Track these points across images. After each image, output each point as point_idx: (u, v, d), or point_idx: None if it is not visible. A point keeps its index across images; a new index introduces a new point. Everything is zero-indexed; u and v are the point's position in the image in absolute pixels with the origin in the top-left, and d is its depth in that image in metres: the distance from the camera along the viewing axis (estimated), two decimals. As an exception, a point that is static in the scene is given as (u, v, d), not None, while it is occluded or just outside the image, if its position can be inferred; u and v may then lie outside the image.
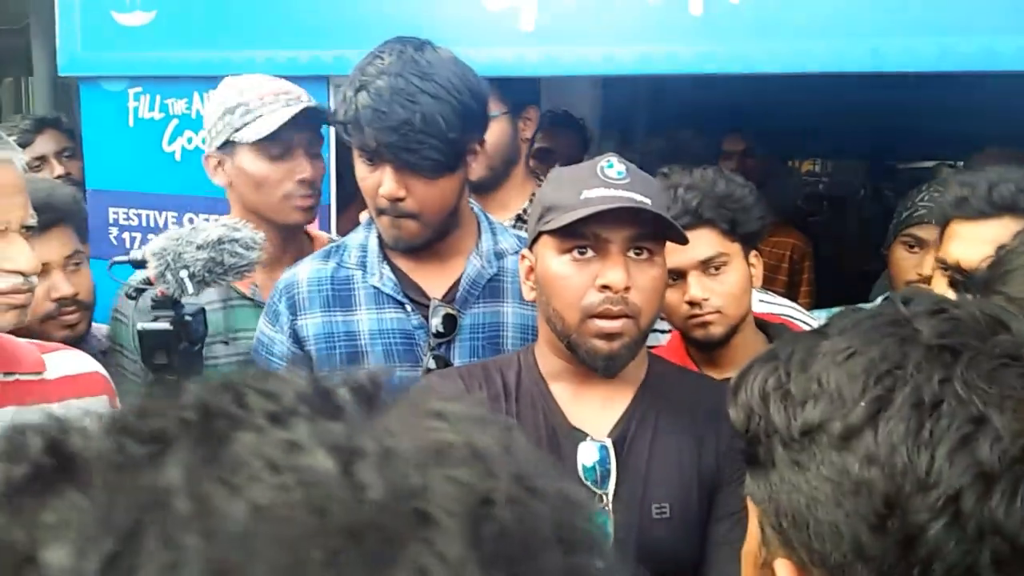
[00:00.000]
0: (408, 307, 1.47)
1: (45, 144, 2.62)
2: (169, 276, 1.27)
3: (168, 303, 1.28)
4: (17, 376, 1.27)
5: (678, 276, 1.54)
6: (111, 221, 2.28)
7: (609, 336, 1.21)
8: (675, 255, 1.49)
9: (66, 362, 1.38)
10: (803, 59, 1.69)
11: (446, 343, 1.47)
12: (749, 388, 0.69)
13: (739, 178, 1.60)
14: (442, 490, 0.33)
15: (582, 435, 1.25)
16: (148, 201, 2.23)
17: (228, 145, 1.63)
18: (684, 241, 1.27)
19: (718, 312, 1.53)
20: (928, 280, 2.00)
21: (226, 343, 1.63)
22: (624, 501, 1.23)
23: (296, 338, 1.48)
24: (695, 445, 1.27)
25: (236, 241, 1.32)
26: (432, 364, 1.45)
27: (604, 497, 1.22)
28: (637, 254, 1.22)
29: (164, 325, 1.26)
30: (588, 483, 1.22)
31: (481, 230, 1.58)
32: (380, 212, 1.43)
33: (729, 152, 3.03)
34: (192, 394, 0.36)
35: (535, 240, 1.28)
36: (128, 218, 2.26)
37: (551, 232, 1.22)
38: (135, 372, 1.61)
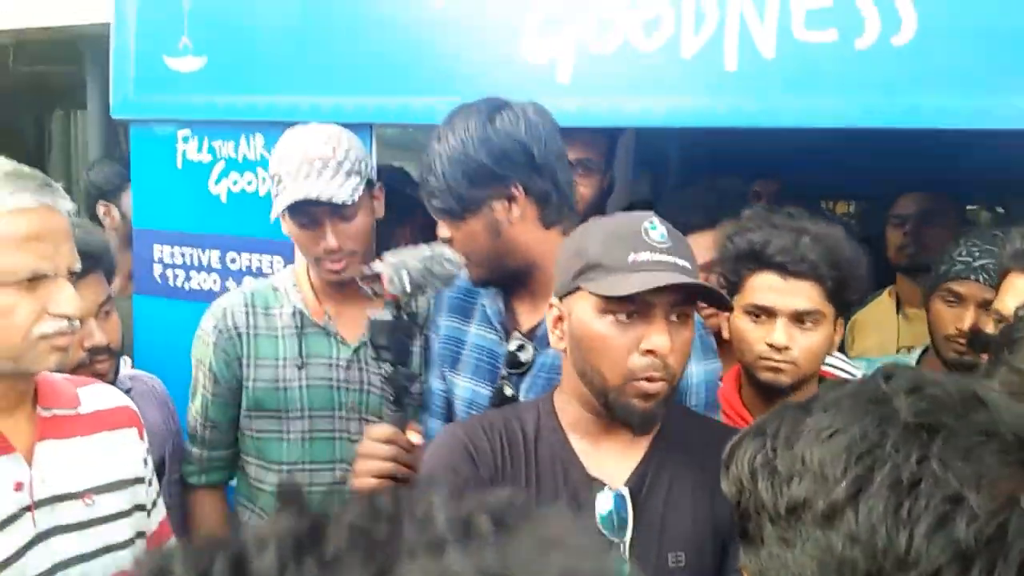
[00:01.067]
0: (501, 334, 1.66)
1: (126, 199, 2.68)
2: (395, 277, 1.52)
3: (393, 304, 1.56)
4: (55, 411, 1.34)
5: (766, 315, 1.58)
6: (156, 259, 2.35)
7: (648, 396, 1.24)
8: (771, 295, 1.58)
9: (98, 397, 1.44)
10: (838, 114, 1.71)
11: (519, 374, 1.62)
12: (739, 462, 0.71)
13: (858, 247, 1.63)
14: None
15: (600, 484, 1.29)
16: (193, 240, 2.29)
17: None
18: (728, 308, 1.33)
19: (793, 364, 1.56)
20: (967, 334, 2.00)
21: (299, 367, 1.80)
22: (641, 549, 1.26)
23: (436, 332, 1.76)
24: (710, 495, 1.28)
25: (445, 258, 1.55)
26: (508, 390, 1.62)
27: (622, 545, 1.25)
28: (675, 316, 1.25)
29: (387, 316, 1.55)
30: (605, 531, 1.25)
31: None
32: None
33: (760, 193, 3.03)
34: (354, 515, 0.40)
35: (570, 292, 1.30)
36: (172, 256, 2.33)
37: (597, 293, 1.24)
38: (205, 385, 1.85)
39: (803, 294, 1.56)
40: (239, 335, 1.82)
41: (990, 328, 1.62)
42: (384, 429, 1.51)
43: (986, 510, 0.59)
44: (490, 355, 1.67)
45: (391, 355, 1.56)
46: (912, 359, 2.27)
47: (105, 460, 1.38)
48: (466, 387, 1.68)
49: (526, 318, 1.66)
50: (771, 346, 1.56)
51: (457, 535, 0.39)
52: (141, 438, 1.46)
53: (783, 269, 1.58)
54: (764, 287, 1.60)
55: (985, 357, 1.47)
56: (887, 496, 0.61)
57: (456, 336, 1.72)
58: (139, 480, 1.43)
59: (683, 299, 1.26)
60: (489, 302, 1.69)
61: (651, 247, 1.24)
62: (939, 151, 2.30)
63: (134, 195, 2.42)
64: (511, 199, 1.58)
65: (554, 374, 1.54)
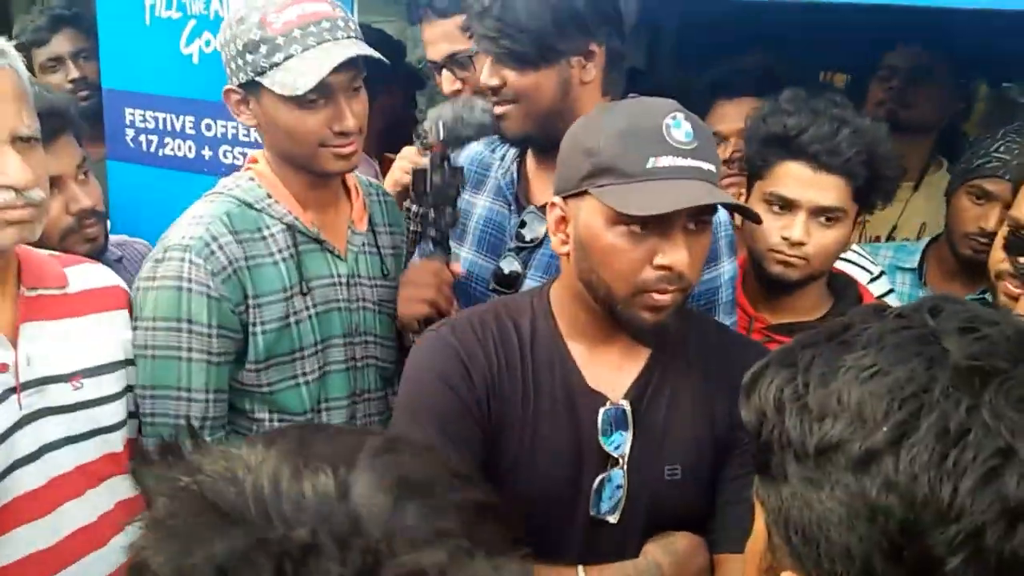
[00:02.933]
0: (513, 207, 1.59)
1: (61, 44, 2.51)
2: (433, 127, 1.48)
3: (438, 157, 1.52)
4: (40, 291, 1.28)
5: (786, 206, 1.51)
6: (128, 122, 2.25)
7: (659, 308, 1.17)
8: (797, 188, 1.50)
9: (87, 276, 1.38)
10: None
11: (529, 249, 1.57)
12: (764, 393, 0.67)
13: (894, 149, 1.55)
14: None
15: (600, 398, 1.24)
16: (166, 104, 2.19)
17: (252, 85, 1.42)
18: (757, 220, 1.24)
19: (806, 260, 1.51)
20: (991, 235, 1.86)
21: (304, 293, 1.49)
22: (638, 462, 1.24)
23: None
24: (710, 406, 1.27)
25: (478, 106, 1.49)
26: (513, 264, 1.57)
27: (621, 459, 1.23)
28: (694, 225, 1.15)
29: (426, 164, 1.52)
30: (605, 445, 1.23)
31: None
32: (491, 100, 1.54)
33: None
34: None
35: (577, 194, 1.18)
36: (145, 120, 2.23)
37: (611, 204, 1.13)
38: (199, 350, 1.42)
39: (831, 189, 1.49)
40: (236, 272, 1.42)
41: (1001, 236, 1.56)
42: (433, 263, 1.56)
43: None
44: (497, 228, 1.61)
45: (431, 199, 1.54)
46: (917, 250, 2.16)
47: (95, 342, 1.34)
48: (470, 259, 1.64)
49: (543, 194, 1.54)
50: (786, 239, 1.50)
51: None
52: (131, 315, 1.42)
53: (815, 160, 1.49)
54: (791, 177, 1.51)
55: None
56: (932, 445, 0.58)
57: (465, 208, 1.64)
58: (131, 362, 1.41)
59: (704, 208, 1.15)
60: (502, 173, 1.62)
61: (674, 149, 1.11)
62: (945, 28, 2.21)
63: (101, 54, 2.29)
64: (588, 56, 1.47)
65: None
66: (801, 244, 1.50)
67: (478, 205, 1.65)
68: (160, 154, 2.24)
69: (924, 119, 2.41)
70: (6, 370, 1.21)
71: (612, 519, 1.24)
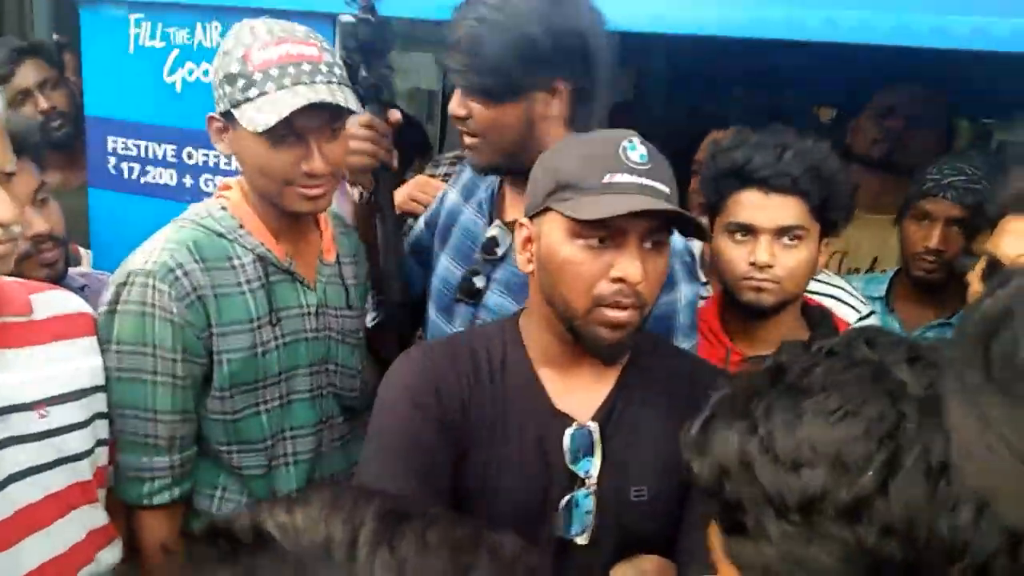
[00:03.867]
0: (486, 221, 1.64)
1: (25, 76, 2.49)
2: None
3: (360, 4, 1.57)
4: (5, 319, 1.26)
5: (748, 233, 1.54)
6: (110, 150, 2.24)
7: (616, 326, 1.19)
8: (754, 213, 1.54)
9: (53, 302, 1.36)
10: (829, 27, 1.62)
11: (492, 263, 1.60)
12: (720, 447, 0.64)
13: (843, 164, 1.60)
14: None
15: (568, 420, 1.25)
16: (148, 132, 2.18)
17: (229, 115, 1.42)
18: (706, 238, 1.27)
19: (777, 283, 1.52)
20: (936, 252, 2.04)
21: (273, 324, 1.49)
22: (605, 484, 1.24)
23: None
24: (677, 427, 1.25)
25: None
26: (477, 281, 1.60)
27: (587, 480, 1.23)
28: (649, 243, 1.19)
29: (352, 20, 1.55)
30: (572, 466, 1.23)
31: None
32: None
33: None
34: None
35: (540, 212, 1.23)
36: (127, 148, 2.22)
37: (567, 215, 1.17)
38: (164, 372, 1.42)
39: (786, 209, 1.52)
40: (200, 299, 1.42)
41: (978, 270, 1.57)
42: (365, 116, 1.63)
43: None
44: (472, 238, 1.65)
45: (362, 56, 1.57)
46: (884, 280, 2.25)
47: (61, 369, 1.32)
48: (445, 265, 1.68)
49: (514, 211, 1.58)
50: (753, 264, 1.52)
51: None
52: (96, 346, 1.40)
53: (765, 184, 1.53)
54: (746, 204, 1.55)
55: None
56: (921, 482, 0.56)
57: (454, 213, 1.71)
58: (99, 388, 1.39)
59: (659, 225, 1.19)
60: (486, 186, 1.67)
61: (629, 168, 1.16)
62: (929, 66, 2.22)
63: (85, 81, 2.29)
64: (553, 92, 1.50)
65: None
66: (769, 266, 1.52)
67: (463, 214, 1.69)
68: (141, 181, 2.23)
69: (916, 160, 2.43)
70: None
71: (581, 540, 1.24)
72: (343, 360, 1.62)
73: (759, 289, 1.53)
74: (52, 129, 2.37)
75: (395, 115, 1.69)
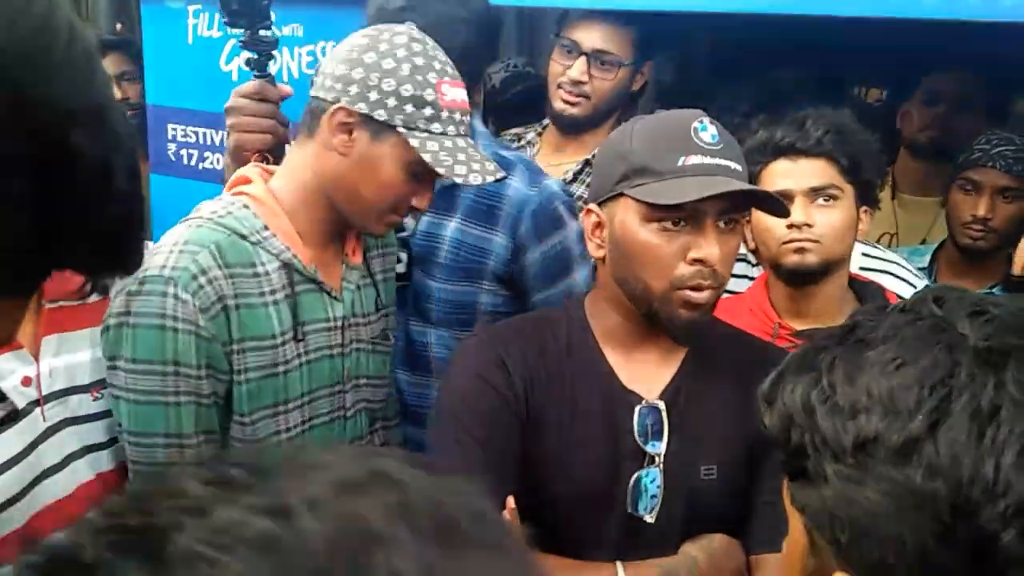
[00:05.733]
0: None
1: (109, 67, 2.58)
2: None
3: None
4: (60, 303, 1.29)
5: (784, 200, 1.55)
6: (170, 137, 2.32)
7: (695, 306, 1.20)
8: (786, 179, 1.56)
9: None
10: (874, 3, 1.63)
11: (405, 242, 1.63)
12: (788, 398, 0.68)
13: (864, 127, 1.63)
14: (372, 510, 0.37)
15: (636, 397, 1.27)
16: (206, 119, 2.25)
17: (384, 126, 1.28)
18: (786, 214, 1.28)
19: (817, 242, 1.54)
20: (983, 221, 2.08)
21: (298, 339, 1.34)
22: (673, 462, 1.25)
23: None
24: (743, 406, 1.26)
25: None
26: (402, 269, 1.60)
27: (656, 458, 1.25)
28: (725, 223, 1.20)
29: None
30: (642, 444, 1.25)
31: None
32: None
33: None
34: (99, 517, 0.38)
35: (612, 197, 1.24)
36: (186, 135, 2.30)
37: (646, 201, 1.18)
38: (187, 391, 1.27)
39: (816, 170, 1.56)
40: (223, 310, 1.26)
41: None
42: (253, 84, 1.51)
43: None
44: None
45: (246, 19, 1.47)
46: (928, 252, 2.28)
47: None
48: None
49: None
50: (792, 226, 1.53)
51: (214, 491, 0.38)
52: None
53: (792, 150, 1.57)
54: (777, 173, 1.59)
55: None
56: (968, 426, 0.59)
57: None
58: None
59: (735, 205, 1.20)
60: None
61: (702, 149, 1.17)
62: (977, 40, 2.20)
63: (146, 71, 2.37)
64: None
65: (433, 242, 1.64)
66: (807, 225, 1.54)
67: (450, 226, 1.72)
68: (200, 167, 2.30)
69: (963, 144, 2.42)
70: (29, 384, 1.22)
71: (649, 518, 1.26)
72: (374, 371, 1.48)
73: (802, 250, 1.55)
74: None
75: (285, 88, 1.54)
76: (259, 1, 1.49)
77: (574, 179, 2.00)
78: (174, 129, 2.31)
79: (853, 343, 0.67)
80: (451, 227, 1.64)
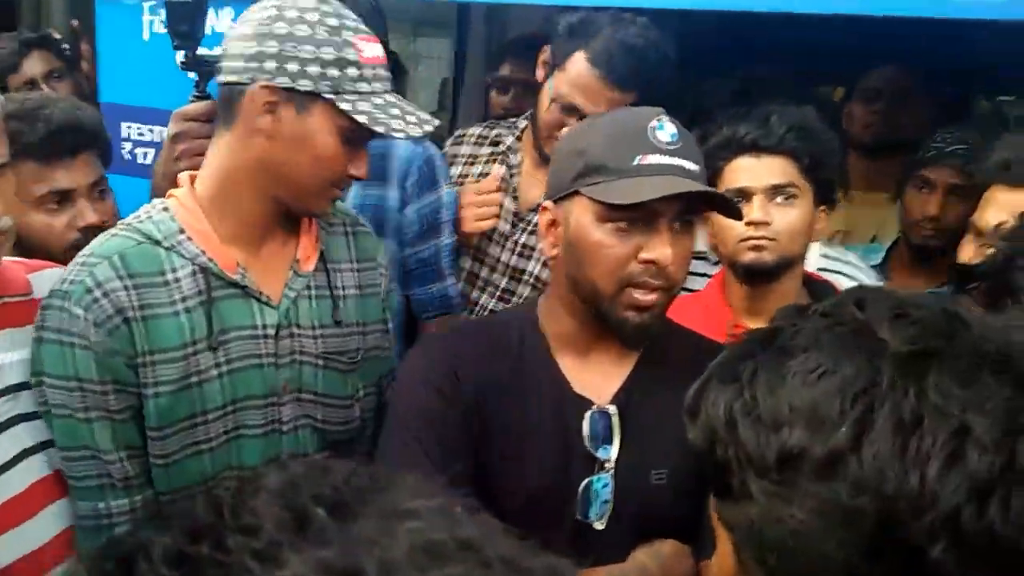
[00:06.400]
0: None
1: (32, 67, 2.49)
2: None
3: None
4: (5, 299, 1.27)
5: (743, 198, 1.56)
6: (124, 136, 2.27)
7: (643, 308, 1.19)
8: (745, 175, 1.57)
9: (51, 280, 1.34)
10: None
11: None
12: (710, 411, 0.66)
13: (828, 126, 1.64)
14: None
15: (587, 403, 1.25)
16: (162, 117, 2.20)
17: (309, 95, 1.25)
18: (739, 217, 1.26)
19: (774, 240, 1.54)
20: (935, 220, 2.09)
21: (213, 348, 1.28)
22: (624, 467, 1.24)
23: None
24: None
25: None
26: None
27: (607, 464, 1.24)
28: (679, 224, 1.18)
29: None
30: (591, 449, 1.23)
31: None
32: None
33: None
34: (172, 539, 0.36)
35: (567, 195, 1.22)
36: (141, 133, 2.25)
37: (599, 200, 1.16)
38: (97, 407, 1.24)
39: (776, 168, 1.56)
40: (124, 322, 1.22)
41: (969, 240, 1.58)
42: (202, 106, 1.52)
43: (993, 439, 0.56)
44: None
45: (193, 42, 1.48)
46: (881, 251, 2.31)
47: None
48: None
49: None
50: (750, 223, 1.53)
51: (290, 535, 0.35)
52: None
53: (754, 147, 1.57)
54: (738, 170, 1.59)
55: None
56: (891, 438, 0.57)
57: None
58: None
59: (689, 205, 1.19)
60: None
61: (658, 148, 1.16)
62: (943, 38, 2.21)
63: (100, 67, 2.31)
64: None
65: None
66: (765, 223, 1.54)
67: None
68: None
69: (907, 138, 2.45)
70: None
71: (599, 525, 1.24)
72: (325, 388, 1.38)
73: (758, 248, 1.55)
74: None
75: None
76: (204, 25, 1.52)
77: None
78: (128, 127, 2.26)
79: (775, 351, 0.65)
80: (350, 193, 1.70)
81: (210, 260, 1.28)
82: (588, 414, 1.24)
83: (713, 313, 1.66)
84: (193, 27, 1.49)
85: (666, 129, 1.17)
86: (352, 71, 1.25)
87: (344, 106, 1.23)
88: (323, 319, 1.38)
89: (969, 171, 2.05)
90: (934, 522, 0.56)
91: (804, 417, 0.60)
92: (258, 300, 1.32)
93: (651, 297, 1.18)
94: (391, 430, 1.28)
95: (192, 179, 1.34)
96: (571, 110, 1.79)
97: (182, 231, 1.28)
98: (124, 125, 2.26)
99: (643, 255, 1.16)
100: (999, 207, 1.51)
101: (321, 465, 0.41)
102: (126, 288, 1.23)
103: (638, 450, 1.25)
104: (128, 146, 2.27)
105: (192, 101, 1.55)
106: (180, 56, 1.52)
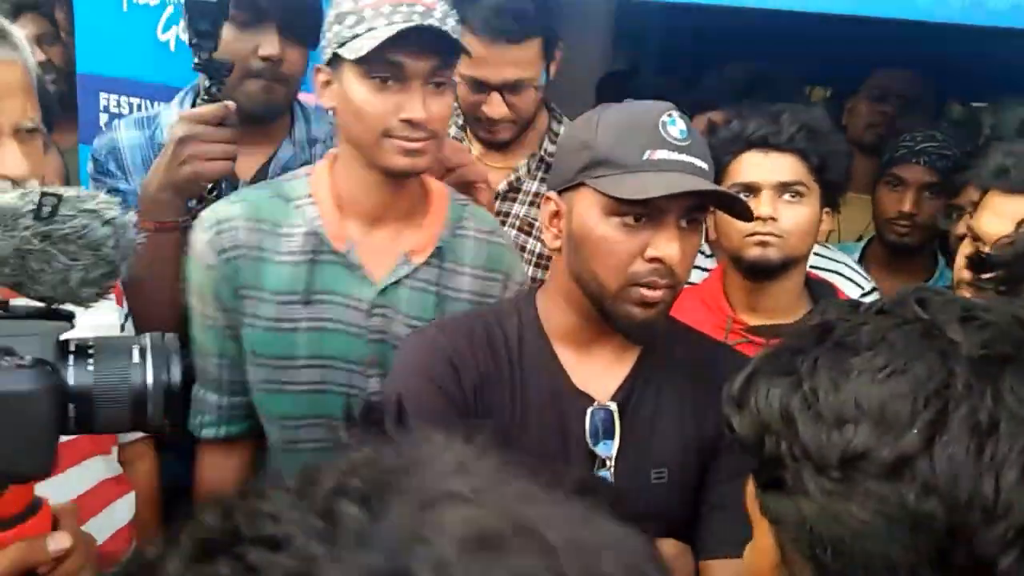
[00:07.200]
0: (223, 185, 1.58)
1: (26, 29, 2.44)
2: None
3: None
4: None
5: (750, 193, 1.56)
6: (102, 107, 2.22)
7: (649, 304, 1.17)
8: (754, 171, 1.56)
9: None
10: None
11: None
12: (763, 403, 0.63)
13: (836, 128, 1.66)
14: None
15: (587, 399, 1.23)
16: (141, 89, 2.16)
17: (335, 61, 1.34)
18: (749, 218, 1.23)
19: (780, 237, 1.54)
20: (909, 216, 2.12)
21: (307, 303, 1.39)
22: (624, 464, 1.23)
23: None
24: (697, 409, 1.26)
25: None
26: None
27: (607, 461, 1.22)
28: (687, 222, 1.16)
29: None
30: (592, 447, 1.22)
31: (295, 117, 1.73)
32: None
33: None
34: (181, 560, 0.32)
35: (572, 187, 1.19)
36: (120, 105, 2.20)
37: (608, 193, 1.14)
38: (206, 313, 1.44)
39: (785, 166, 1.56)
40: (238, 258, 1.39)
41: (966, 244, 1.60)
42: (215, 108, 1.49)
43: None
44: None
45: (212, 43, 1.46)
46: (857, 249, 2.32)
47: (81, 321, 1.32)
48: None
49: (247, 164, 1.66)
50: (758, 219, 1.53)
51: (320, 537, 0.32)
52: (120, 304, 1.38)
53: (764, 144, 1.57)
54: (747, 165, 1.59)
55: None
56: (967, 441, 0.55)
57: None
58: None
59: (698, 204, 1.17)
60: None
61: (668, 144, 1.13)
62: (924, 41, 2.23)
63: (77, 37, 2.25)
64: None
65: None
66: (772, 219, 1.54)
67: None
68: (134, 141, 2.20)
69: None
70: None
71: None
72: None
73: (764, 244, 1.54)
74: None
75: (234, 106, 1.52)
76: (222, 27, 1.48)
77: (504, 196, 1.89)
78: (106, 99, 2.21)
79: (834, 346, 0.63)
80: None
81: (321, 227, 1.40)
82: (589, 411, 1.22)
83: (711, 307, 1.65)
84: (214, 27, 1.46)
85: (677, 125, 1.15)
86: (350, 19, 1.30)
87: (346, 54, 1.29)
88: (423, 312, 1.42)
89: (940, 168, 2.09)
90: (1007, 532, 0.54)
91: (872, 416, 0.58)
92: (357, 273, 1.40)
93: (657, 294, 1.16)
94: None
95: (334, 156, 1.45)
96: (479, 86, 1.75)
97: (310, 196, 1.41)
98: (102, 96, 2.21)
99: (650, 252, 1.14)
100: (996, 213, 1.52)
101: (335, 450, 0.37)
102: (247, 229, 1.39)
103: (638, 448, 1.23)
104: (105, 117, 2.21)
105: (202, 104, 1.51)
106: (195, 57, 1.48)
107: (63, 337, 0.81)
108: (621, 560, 0.35)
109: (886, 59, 2.61)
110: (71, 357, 0.79)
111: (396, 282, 1.40)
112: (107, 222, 0.80)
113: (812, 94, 3.81)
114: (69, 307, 0.83)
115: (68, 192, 0.79)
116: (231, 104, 1.50)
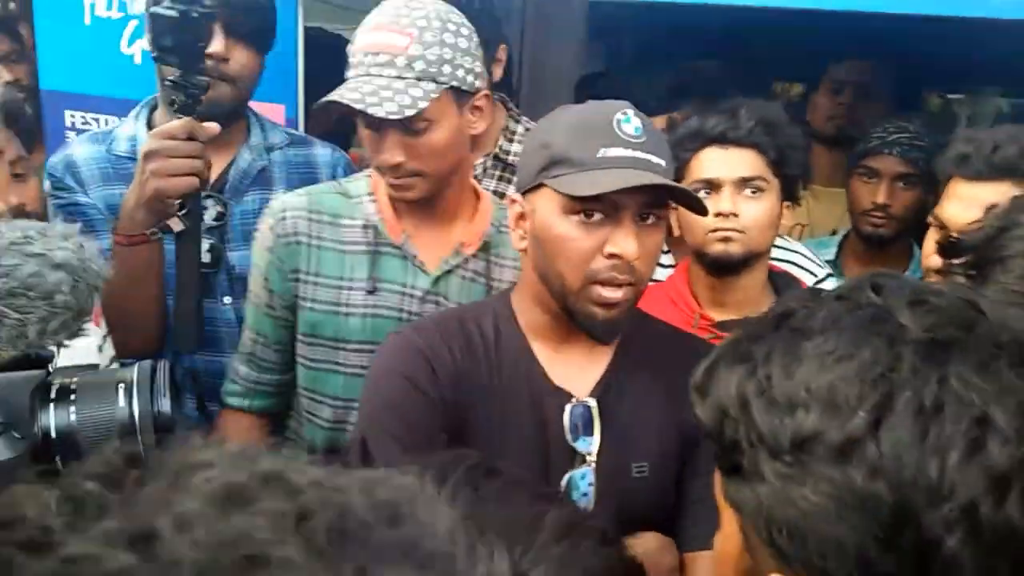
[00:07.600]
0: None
1: None
2: None
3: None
4: None
5: (711, 189, 1.57)
6: (68, 124, 2.17)
7: (609, 304, 1.17)
8: (714, 167, 1.57)
9: None
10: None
11: (218, 228, 1.70)
12: (722, 391, 0.64)
13: (794, 122, 1.66)
14: (257, 527, 0.32)
15: (566, 396, 1.24)
16: (106, 105, 2.12)
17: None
18: (704, 213, 1.24)
19: (742, 232, 1.55)
20: (883, 207, 2.13)
21: (369, 292, 1.49)
22: (605, 460, 1.23)
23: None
24: (674, 403, 1.25)
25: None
26: (207, 257, 1.67)
27: (588, 457, 1.22)
28: (645, 219, 1.17)
29: (173, 11, 1.41)
30: (572, 443, 1.22)
31: (250, 125, 1.79)
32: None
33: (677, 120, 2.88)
34: None
35: (533, 187, 1.21)
36: (86, 122, 2.15)
37: (561, 191, 1.15)
38: (258, 294, 1.56)
39: (745, 161, 1.57)
40: (298, 244, 1.50)
41: (931, 233, 1.60)
42: (183, 123, 1.49)
43: (1015, 430, 0.55)
44: None
45: (178, 59, 1.46)
46: (834, 243, 2.33)
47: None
48: None
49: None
50: (719, 215, 1.53)
51: (62, 517, 0.32)
52: (97, 324, 1.36)
53: (723, 139, 1.58)
54: (706, 161, 1.60)
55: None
56: (911, 424, 0.56)
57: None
58: (94, 367, 1.35)
59: (655, 200, 1.18)
60: None
61: (623, 141, 1.15)
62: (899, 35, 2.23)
63: (39, 53, 2.21)
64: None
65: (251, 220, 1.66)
66: (733, 215, 1.54)
67: None
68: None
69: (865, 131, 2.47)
70: None
71: None
72: None
73: (726, 240, 1.55)
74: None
75: (213, 127, 1.54)
76: (195, 44, 1.47)
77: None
78: (72, 116, 2.17)
79: (789, 332, 0.64)
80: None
81: (380, 222, 1.50)
82: (568, 407, 1.23)
83: (679, 304, 1.66)
84: (177, 43, 1.45)
85: (632, 122, 1.17)
86: (351, 62, 1.39)
87: (333, 95, 1.36)
88: (472, 299, 1.49)
89: (913, 159, 2.09)
90: (951, 513, 0.55)
91: (821, 400, 0.59)
92: (413, 263, 1.49)
93: (617, 293, 1.17)
94: (364, 425, 1.26)
95: None
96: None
97: (370, 194, 1.52)
98: (67, 113, 2.17)
99: (608, 249, 1.15)
100: (959, 200, 1.53)
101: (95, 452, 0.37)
102: (309, 219, 1.50)
103: (618, 444, 1.24)
104: (72, 135, 2.18)
105: (170, 119, 1.51)
106: (167, 74, 1.49)
107: (45, 381, 0.78)
108: (374, 496, 0.35)
109: (860, 54, 2.61)
110: (51, 404, 0.76)
111: (449, 271, 1.50)
112: (58, 266, 0.76)
113: (787, 88, 3.81)
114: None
115: (13, 235, 0.75)
116: (205, 124, 1.52)
